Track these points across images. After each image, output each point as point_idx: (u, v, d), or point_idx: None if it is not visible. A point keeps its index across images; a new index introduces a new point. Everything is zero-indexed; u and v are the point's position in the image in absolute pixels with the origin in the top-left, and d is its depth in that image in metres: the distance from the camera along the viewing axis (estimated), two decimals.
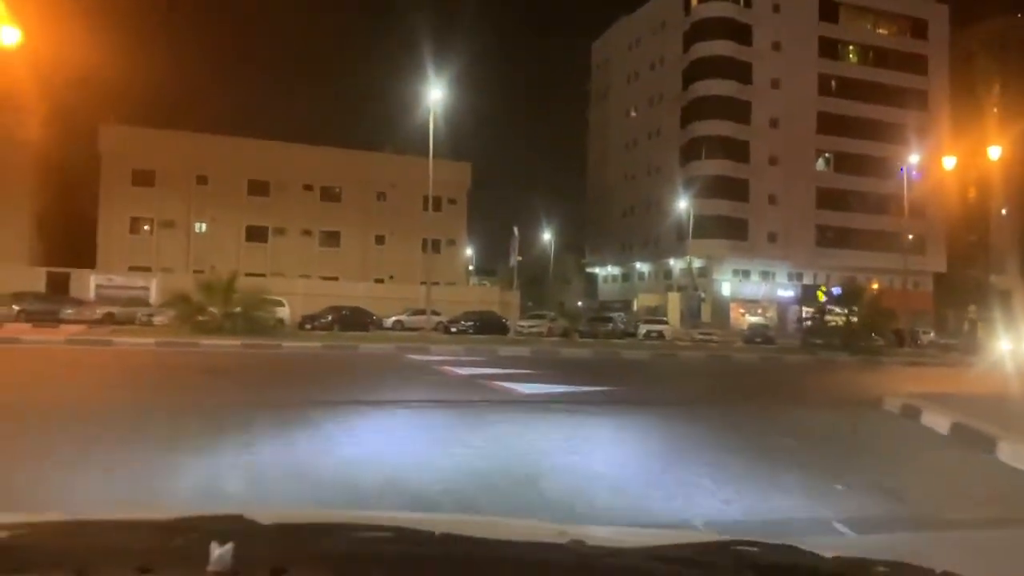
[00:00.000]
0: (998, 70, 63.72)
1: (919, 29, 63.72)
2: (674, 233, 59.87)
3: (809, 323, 31.66)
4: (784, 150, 59.55)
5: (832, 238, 60.38)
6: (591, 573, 1.18)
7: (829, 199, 60.70)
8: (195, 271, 43.55)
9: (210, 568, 1.08)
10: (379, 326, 36.02)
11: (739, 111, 58.63)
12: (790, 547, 1.33)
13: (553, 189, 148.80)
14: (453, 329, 33.77)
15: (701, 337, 39.02)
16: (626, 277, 71.09)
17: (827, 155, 61.64)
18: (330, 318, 33.18)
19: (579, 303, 72.59)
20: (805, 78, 60.11)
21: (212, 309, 22.36)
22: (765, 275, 61.34)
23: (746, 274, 61.06)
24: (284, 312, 32.69)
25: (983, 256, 64.29)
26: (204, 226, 47.90)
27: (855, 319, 24.70)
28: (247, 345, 19.33)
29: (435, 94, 33.92)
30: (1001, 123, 60.09)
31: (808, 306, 61.03)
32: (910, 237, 61.99)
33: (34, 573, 1.15)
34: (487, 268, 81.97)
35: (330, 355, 18.86)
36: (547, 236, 74.87)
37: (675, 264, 62.68)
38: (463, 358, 18.46)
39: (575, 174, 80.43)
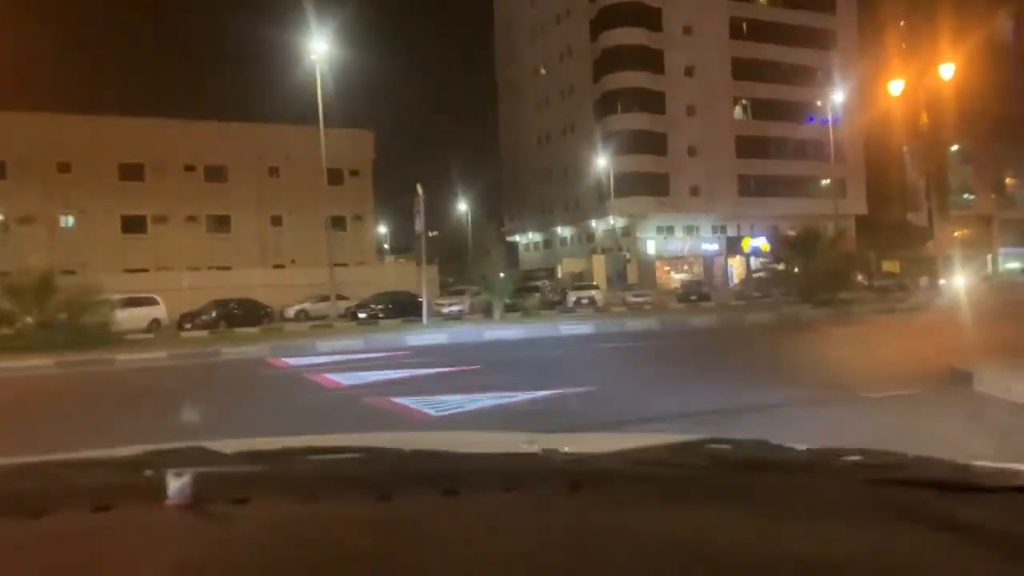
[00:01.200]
0: (903, 5, 62.93)
1: None
2: (594, 193, 57.20)
3: (762, 274, 29.20)
4: (701, 99, 57.34)
5: (754, 188, 58.79)
6: (565, 479, 1.12)
7: (749, 148, 58.97)
8: (64, 272, 38.24)
9: (168, 501, 1.05)
10: (276, 318, 31.90)
11: (652, 61, 55.97)
12: (763, 442, 1.30)
13: (467, 156, 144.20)
14: (361, 315, 29.88)
15: (635, 300, 36.30)
16: (548, 243, 68.19)
17: (744, 102, 59.80)
18: (213, 314, 28.74)
19: (501, 274, 69.48)
20: (717, 22, 57.87)
21: (28, 319, 17.71)
22: (689, 230, 59.40)
23: (670, 230, 58.96)
24: (159, 312, 28.19)
25: (900, 195, 64.03)
26: (71, 220, 42.18)
27: (815, 266, 22.07)
28: (63, 363, 15.00)
29: (322, 49, 29.64)
30: (907, 60, 59.40)
31: (734, 258, 59.86)
32: (826, 182, 61.33)
33: None
34: (404, 245, 77.83)
35: (175, 368, 14.69)
36: (463, 206, 71.37)
37: (597, 225, 60.07)
38: (358, 356, 14.87)
39: (489, 139, 76.67)
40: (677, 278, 56.52)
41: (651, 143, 55.86)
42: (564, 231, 65.14)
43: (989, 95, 61.99)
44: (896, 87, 27.61)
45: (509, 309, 29.09)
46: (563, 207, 63.08)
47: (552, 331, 19.05)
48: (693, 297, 37.27)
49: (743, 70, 58.50)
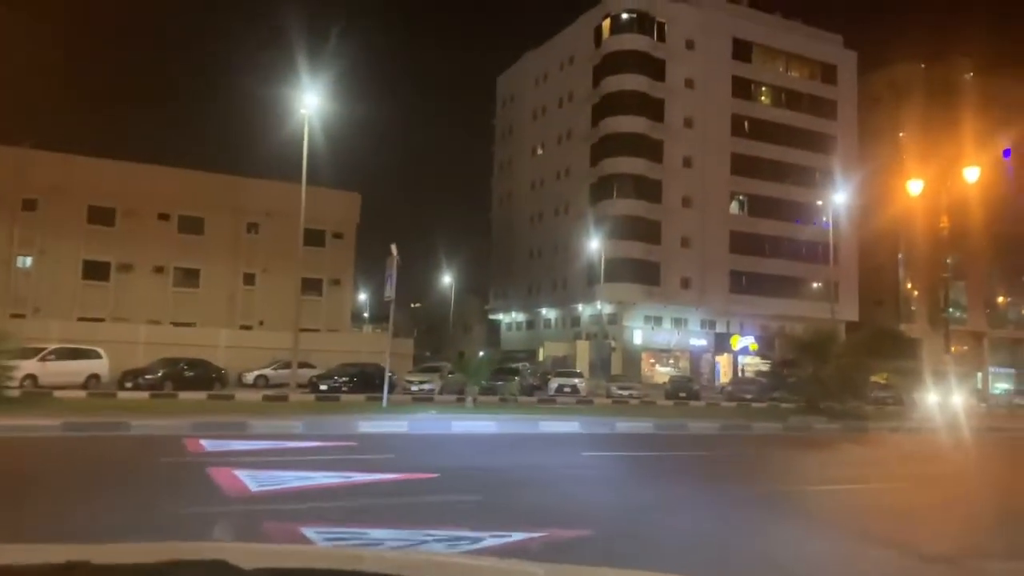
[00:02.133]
0: (902, 117, 63.32)
1: (828, 74, 62.75)
2: (583, 277, 55.57)
3: (765, 380, 27.06)
4: (698, 191, 56.51)
5: (746, 285, 57.37)
6: None
7: (743, 243, 57.88)
8: (13, 315, 35.56)
9: None
10: (228, 382, 29.31)
11: (652, 149, 55.30)
12: None
13: (456, 230, 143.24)
14: (323, 387, 27.31)
15: (621, 392, 33.94)
16: (531, 324, 66.08)
17: (741, 197, 59.02)
18: (160, 374, 26.07)
19: (481, 352, 67.10)
20: (719, 118, 57.63)
21: None
22: (677, 323, 57.57)
23: (658, 321, 57.11)
24: (100, 366, 25.55)
25: (893, 304, 62.86)
26: (29, 260, 39.70)
27: (827, 371, 19.77)
28: None
29: (313, 104, 28.17)
30: (905, 170, 59.21)
31: (722, 355, 57.93)
32: (816, 285, 60.28)
33: None
34: (384, 314, 75.61)
35: (58, 443, 12.05)
36: (448, 279, 69.52)
37: (584, 310, 58.20)
38: (291, 445, 12.34)
39: (479, 214, 75.48)
40: (663, 371, 54.40)
41: (644, 231, 54.60)
42: (549, 313, 63.17)
43: (983, 212, 61.78)
44: (916, 187, 26.12)
45: (485, 392, 26.71)
46: (550, 288, 61.30)
47: (532, 427, 16.46)
48: (682, 394, 34.98)
49: (742, 166, 57.98)
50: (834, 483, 10.56)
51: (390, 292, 19.68)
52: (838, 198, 53.82)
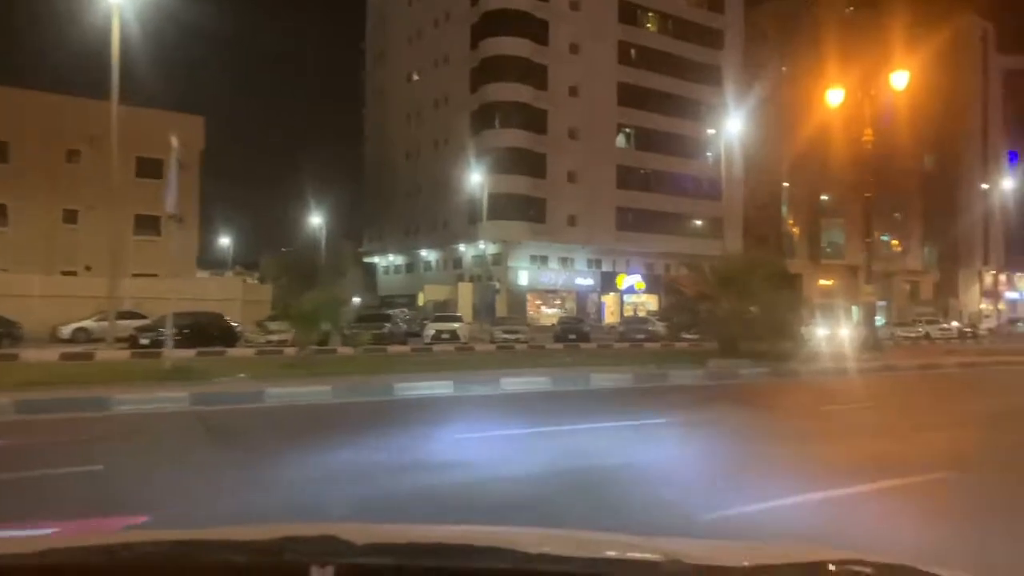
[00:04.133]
0: (787, 50, 62.21)
1: (717, 2, 60.53)
2: (465, 215, 51.77)
3: (670, 318, 24.21)
4: (584, 123, 53.34)
5: (632, 221, 55.21)
6: None
7: (630, 178, 55.56)
8: None
9: None
10: (21, 337, 24.14)
11: (535, 75, 51.45)
12: (909, 568, 1.19)
13: (327, 166, 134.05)
14: (144, 341, 22.36)
15: (505, 336, 30.66)
16: (411, 267, 61.86)
17: (628, 130, 56.41)
18: None
19: (356, 299, 62.34)
20: (605, 44, 54.32)
21: None
22: (564, 261, 54.95)
23: (544, 260, 54.26)
24: None
25: (776, 241, 62.65)
26: None
27: (753, 308, 16.80)
28: None
29: None
30: (791, 104, 58.41)
31: (608, 294, 55.98)
32: (700, 223, 59.27)
33: None
34: (249, 260, 69.12)
35: None
36: (317, 220, 63.82)
37: (467, 251, 54.55)
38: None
39: (352, 148, 69.45)
40: (549, 313, 51.85)
41: (530, 164, 51.11)
42: (429, 255, 59.09)
43: (861, 149, 62.09)
44: (836, 96, 23.74)
45: (346, 342, 22.62)
46: (430, 228, 57.12)
47: (383, 393, 12.07)
48: (572, 336, 32.14)
49: (629, 97, 55.21)
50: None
51: (170, 204, 15.00)
52: (724, 132, 52.30)
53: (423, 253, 59.34)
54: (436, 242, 56.82)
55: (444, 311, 41.61)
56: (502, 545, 1.33)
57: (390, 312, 33.62)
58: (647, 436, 8.79)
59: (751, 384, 14.52)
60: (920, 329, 45.56)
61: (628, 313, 51.97)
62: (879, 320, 62.70)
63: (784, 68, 62.24)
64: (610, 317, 53.96)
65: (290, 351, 20.00)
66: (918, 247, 68.51)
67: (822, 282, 64.15)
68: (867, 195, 26.02)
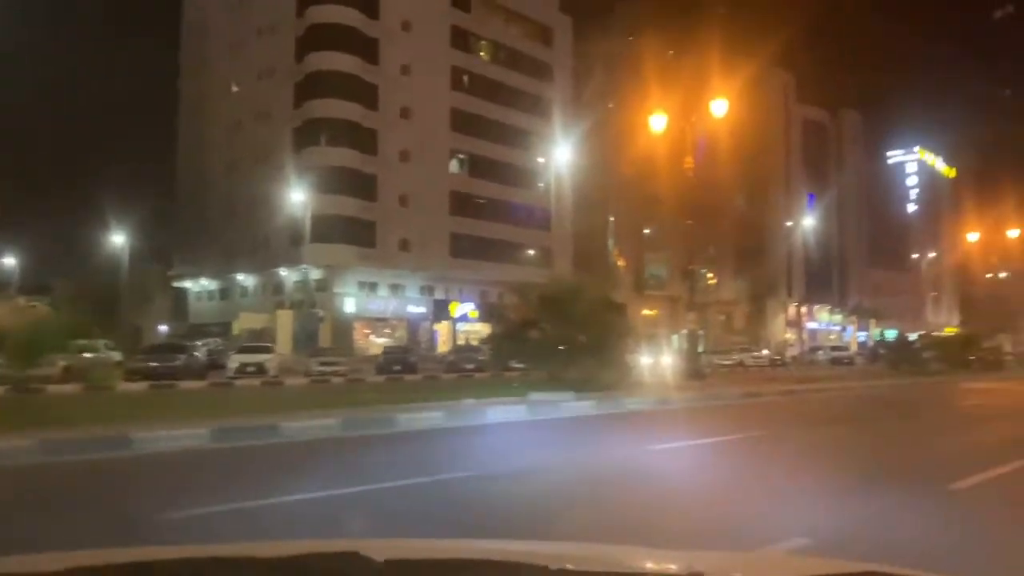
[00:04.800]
0: (612, 88, 64.36)
1: (547, 36, 61.60)
2: (287, 237, 48.44)
3: (495, 346, 22.83)
4: (417, 145, 51.86)
5: (467, 249, 54.21)
6: None
7: (464, 205, 54.67)
8: None
9: None
10: None
11: (365, 93, 49.47)
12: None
13: (132, 180, 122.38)
14: None
15: (322, 368, 28.14)
16: (226, 293, 57.17)
17: (462, 156, 55.63)
18: None
19: (162, 327, 56.67)
20: (438, 68, 53.36)
21: None
22: (395, 288, 52.88)
23: (373, 287, 51.92)
24: None
25: (604, 271, 64.03)
26: None
27: (577, 333, 15.53)
28: None
29: None
30: (616, 139, 60.29)
31: (441, 323, 54.42)
32: (531, 252, 59.56)
33: None
34: (41, 284, 60.99)
35: None
36: (120, 240, 57.64)
37: (288, 275, 51.11)
38: None
39: (163, 164, 63.51)
40: (379, 343, 49.42)
41: (359, 185, 48.83)
42: (247, 279, 54.85)
43: (682, 186, 65.24)
44: (659, 123, 23.73)
45: (133, 376, 19.39)
46: (248, 250, 52.97)
47: (113, 447, 8.71)
48: (397, 368, 30.18)
49: (462, 122, 54.52)
50: None
51: None
52: (554, 164, 52.87)
53: (240, 277, 55.02)
54: (255, 266, 52.81)
55: (260, 340, 38.18)
56: (523, 560, 1.30)
57: (187, 343, 29.83)
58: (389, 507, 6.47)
59: (574, 419, 13.29)
60: (735, 357, 47.63)
61: (461, 342, 50.67)
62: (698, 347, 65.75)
63: (611, 105, 64.27)
64: (443, 346, 52.35)
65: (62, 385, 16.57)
66: (731, 280, 72.78)
67: (646, 312, 66.31)
68: (688, 222, 26.01)
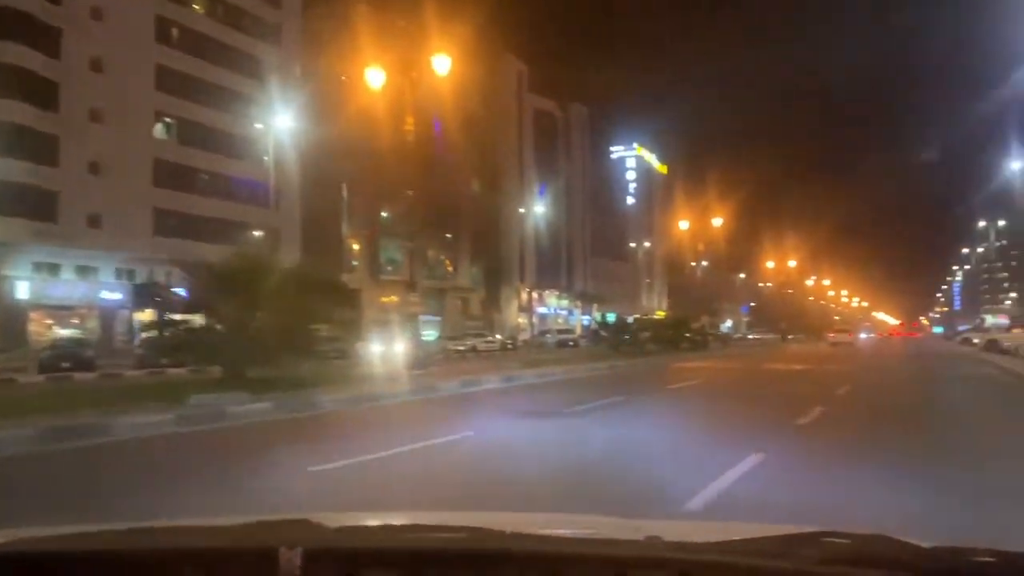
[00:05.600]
0: (346, 61, 60.77)
1: None
2: None
3: (154, 334, 18.79)
4: (112, 105, 44.43)
5: (175, 227, 47.86)
6: (673, 570, 1.10)
7: (172, 176, 48.13)
8: None
9: (280, 574, 1.09)
10: None
11: (44, 37, 41.33)
12: (884, 537, 1.20)
13: None
14: None
15: None
16: None
17: (169, 120, 48.91)
18: None
19: None
20: (139, 16, 46.23)
21: None
22: (84, 271, 45.16)
23: (54, 269, 43.85)
24: None
25: (336, 255, 60.47)
26: None
27: (262, 320, 12.37)
28: None
29: None
30: (351, 115, 57.08)
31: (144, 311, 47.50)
32: (256, 233, 54.66)
33: None
34: None
35: None
36: None
37: None
38: None
39: None
40: (65, 334, 41.78)
41: (34, 147, 40.71)
42: None
43: (418, 169, 63.79)
44: (377, 79, 21.32)
45: None
46: None
47: None
48: (66, 365, 24.88)
49: (171, 83, 47.85)
50: None
51: None
52: (280, 136, 48.37)
53: None
54: None
55: None
56: (479, 524, 1.30)
57: None
58: None
59: (236, 429, 10.45)
60: (469, 342, 47.14)
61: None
62: (432, 335, 64.92)
63: (344, 78, 60.73)
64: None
65: None
66: (467, 266, 72.89)
67: (384, 299, 64.08)
68: (409, 192, 24.07)
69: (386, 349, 31.99)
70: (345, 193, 62.34)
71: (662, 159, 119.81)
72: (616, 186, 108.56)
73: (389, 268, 66.61)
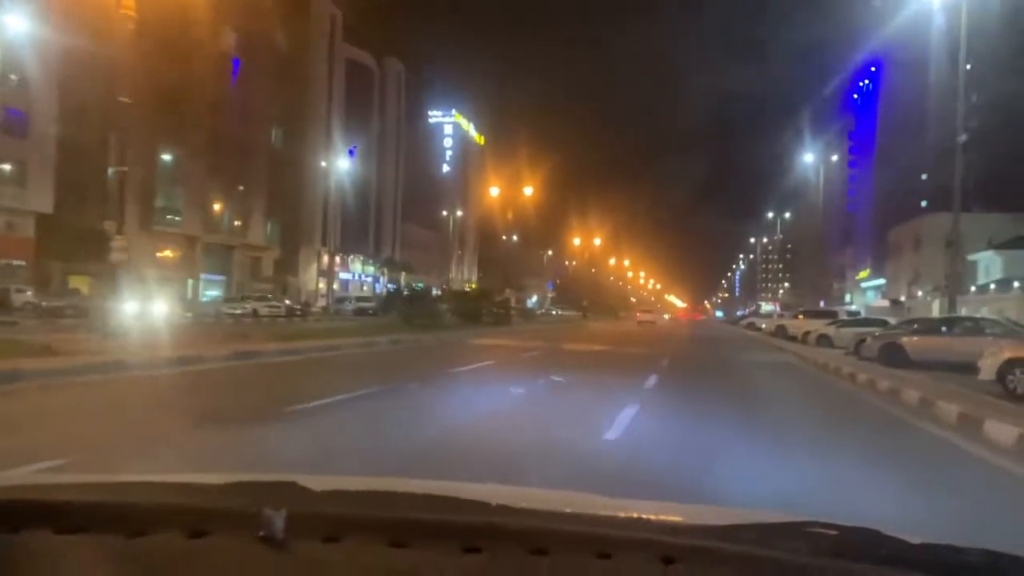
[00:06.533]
0: None
1: None
2: None
3: None
4: None
5: None
6: (659, 552, 1.10)
7: None
8: None
9: (262, 533, 1.09)
10: None
11: None
12: (872, 531, 1.22)
13: None
14: None
15: None
16: None
17: None
18: None
19: None
20: None
21: None
22: None
23: None
24: None
25: (100, 199, 52.09)
26: None
27: None
28: None
29: None
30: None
31: None
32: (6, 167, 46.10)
33: (88, 533, 1.16)
34: None
35: None
36: None
37: None
38: None
39: None
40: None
41: None
42: None
43: (210, 112, 56.65)
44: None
45: None
46: None
47: None
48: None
49: None
50: None
51: None
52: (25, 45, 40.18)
53: None
54: None
55: None
56: (461, 496, 1.30)
57: None
58: None
59: None
60: (248, 306, 41.94)
61: None
62: (216, 294, 58.26)
63: None
64: None
65: None
66: (261, 222, 66.25)
67: (162, 254, 56.59)
68: (197, 133, 19.42)
69: (144, 311, 26.97)
70: (116, 128, 53.75)
71: (479, 130, 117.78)
72: (432, 152, 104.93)
73: (169, 218, 58.66)
